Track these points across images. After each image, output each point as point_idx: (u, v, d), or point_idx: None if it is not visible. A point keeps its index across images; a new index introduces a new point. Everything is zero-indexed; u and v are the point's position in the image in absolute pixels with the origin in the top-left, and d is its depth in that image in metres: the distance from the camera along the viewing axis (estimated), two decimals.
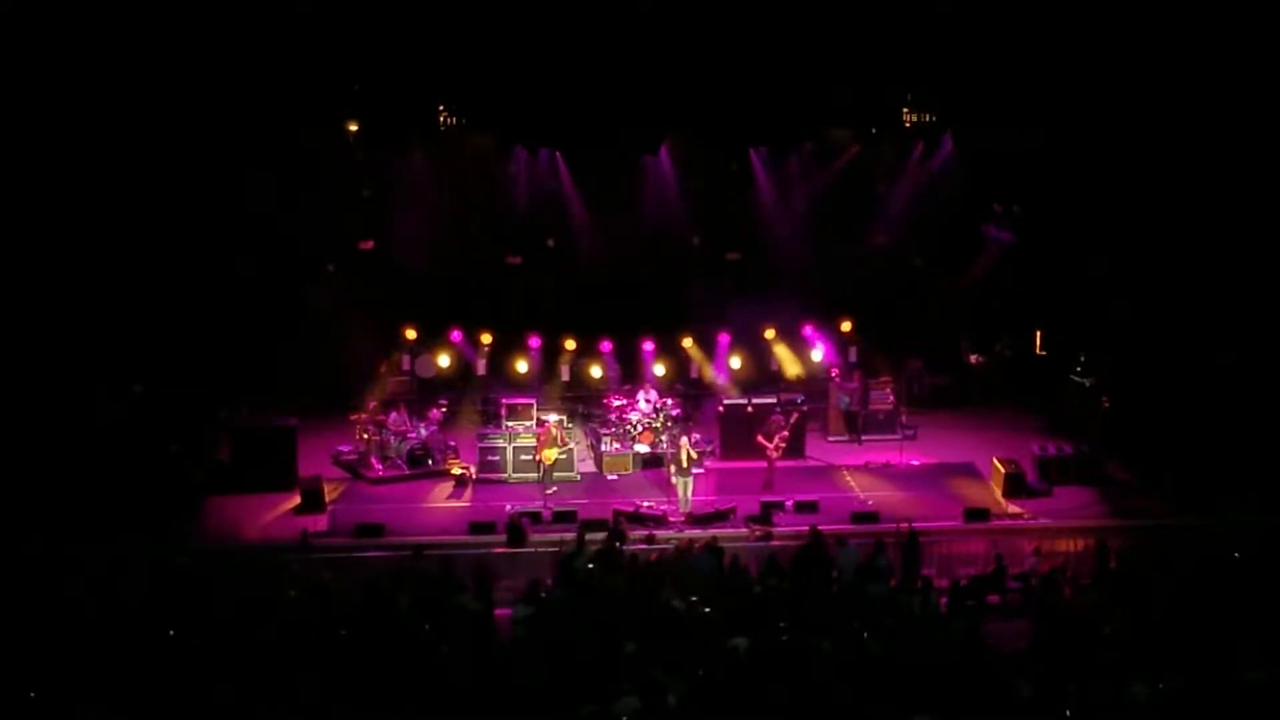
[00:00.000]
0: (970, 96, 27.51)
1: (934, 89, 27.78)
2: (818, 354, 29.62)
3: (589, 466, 27.04)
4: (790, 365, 29.90)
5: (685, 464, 24.42)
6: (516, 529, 23.21)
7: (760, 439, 25.45)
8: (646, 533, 23.30)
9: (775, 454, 25.34)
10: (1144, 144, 26.92)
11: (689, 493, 24.42)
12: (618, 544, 22.14)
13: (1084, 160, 27.51)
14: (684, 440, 24.78)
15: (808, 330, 29.66)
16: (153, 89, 25.87)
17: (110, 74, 25.57)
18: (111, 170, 26.25)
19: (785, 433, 25.59)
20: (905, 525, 22.66)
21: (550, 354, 29.54)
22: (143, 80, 25.73)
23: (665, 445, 26.16)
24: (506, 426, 26.38)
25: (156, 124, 26.16)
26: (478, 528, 23.71)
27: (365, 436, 26.80)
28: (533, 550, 22.92)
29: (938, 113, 27.93)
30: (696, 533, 23.29)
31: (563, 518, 23.84)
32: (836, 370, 28.84)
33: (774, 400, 27.73)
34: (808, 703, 17.88)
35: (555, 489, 25.41)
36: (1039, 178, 28.35)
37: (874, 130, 29.25)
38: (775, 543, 23.03)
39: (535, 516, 23.94)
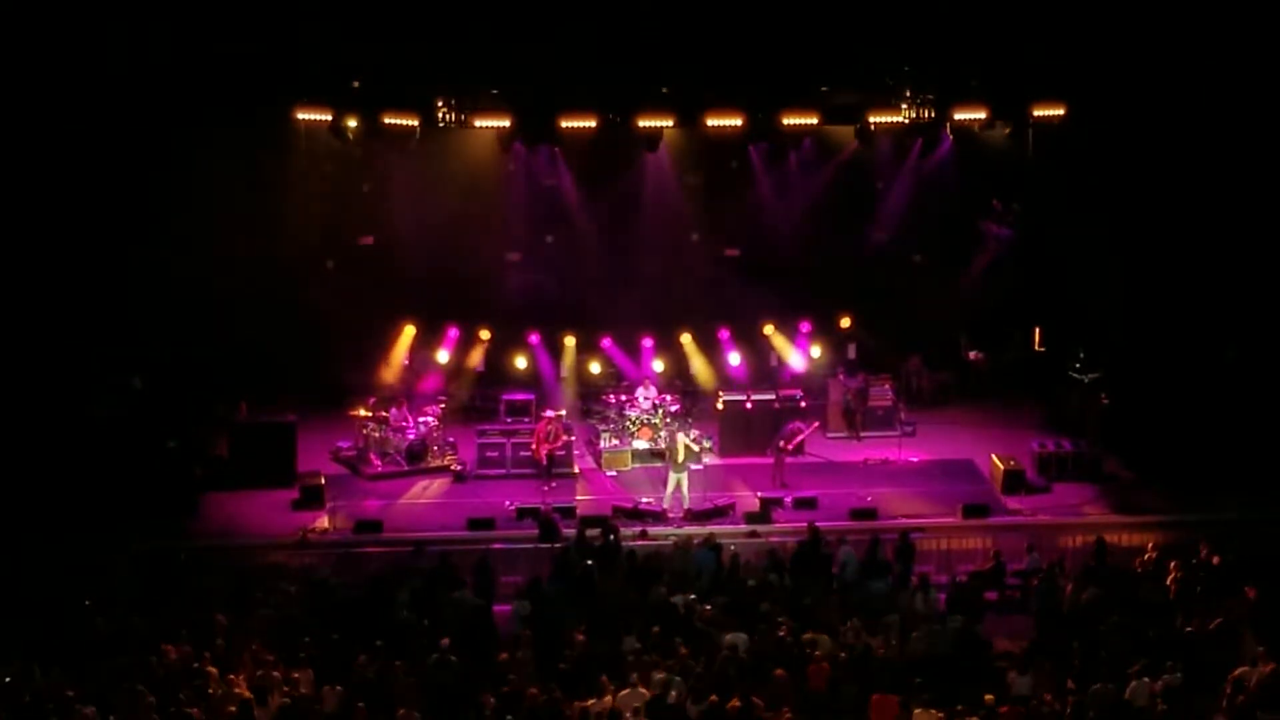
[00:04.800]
0: (968, 87, 27.47)
1: (933, 75, 27.62)
2: (816, 350, 29.60)
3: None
4: (794, 361, 29.84)
5: (681, 460, 24.44)
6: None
7: (782, 443, 25.73)
8: (641, 528, 23.36)
9: (787, 451, 25.57)
10: (1142, 140, 26.90)
11: (686, 489, 24.43)
12: (611, 538, 22.20)
13: (1082, 156, 27.48)
14: (680, 436, 24.80)
15: (805, 327, 29.64)
16: (149, 83, 25.84)
17: (104, 70, 25.58)
18: (109, 166, 26.23)
19: (801, 439, 25.92)
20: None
21: (552, 350, 29.52)
22: (139, 74, 25.71)
23: (664, 441, 26.18)
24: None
25: (154, 119, 26.13)
26: (476, 523, 23.72)
27: (365, 432, 26.80)
28: (531, 547, 22.95)
29: (935, 102, 27.68)
30: (695, 529, 23.34)
31: (561, 514, 23.83)
32: (841, 373, 28.97)
33: (772, 397, 27.77)
34: (805, 697, 17.93)
35: (554, 485, 25.44)
36: (1038, 174, 28.32)
37: (873, 126, 29.10)
38: (774, 539, 23.05)
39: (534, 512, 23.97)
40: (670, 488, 24.43)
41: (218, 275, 26.76)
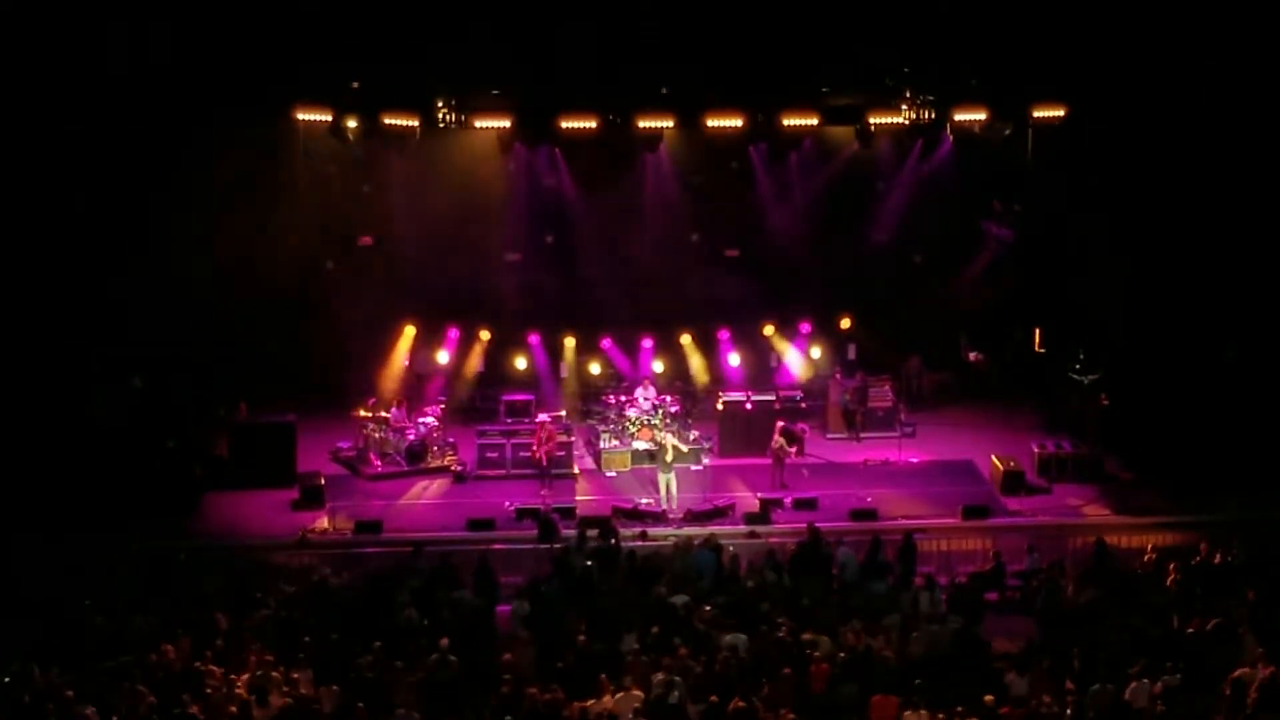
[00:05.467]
0: (968, 88, 27.48)
1: (933, 75, 27.63)
2: (816, 351, 29.61)
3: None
4: (792, 362, 29.85)
5: (669, 460, 24.43)
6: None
7: (779, 436, 25.60)
8: (641, 529, 23.35)
9: (785, 454, 25.52)
10: (1142, 140, 26.91)
11: (674, 489, 24.43)
12: (611, 540, 22.20)
13: (1082, 157, 27.49)
14: (668, 436, 24.80)
15: (805, 327, 29.65)
16: (149, 84, 25.85)
17: (104, 71, 25.59)
18: (109, 165, 26.24)
19: (795, 449, 25.90)
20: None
21: (551, 350, 29.52)
22: (139, 75, 25.73)
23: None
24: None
25: (154, 120, 26.14)
26: (476, 524, 23.72)
27: (365, 433, 26.80)
28: (531, 547, 22.95)
29: (935, 103, 27.65)
30: (695, 529, 23.33)
31: (561, 514, 23.83)
32: (838, 373, 28.94)
33: (772, 397, 27.78)
34: (804, 697, 17.92)
35: (551, 487, 25.43)
36: (1038, 174, 28.32)
37: (873, 126, 29.10)
38: (774, 540, 23.05)
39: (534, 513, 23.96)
40: (662, 489, 24.45)
41: (218, 275, 26.76)
